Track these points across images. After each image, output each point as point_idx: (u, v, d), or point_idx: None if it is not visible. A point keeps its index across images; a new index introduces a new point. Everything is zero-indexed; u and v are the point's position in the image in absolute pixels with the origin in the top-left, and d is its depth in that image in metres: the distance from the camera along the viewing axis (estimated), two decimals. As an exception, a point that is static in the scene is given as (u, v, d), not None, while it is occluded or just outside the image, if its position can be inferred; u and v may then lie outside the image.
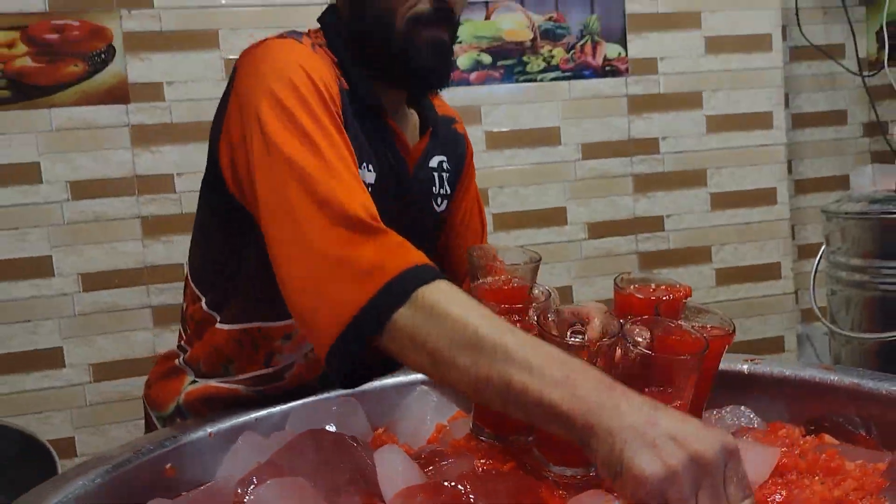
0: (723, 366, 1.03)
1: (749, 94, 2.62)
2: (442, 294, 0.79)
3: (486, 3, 2.37)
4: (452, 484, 0.75)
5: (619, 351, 0.79)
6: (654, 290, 0.95)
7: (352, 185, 0.88)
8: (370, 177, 1.02)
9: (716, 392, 0.93)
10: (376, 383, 1.11)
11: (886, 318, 1.62)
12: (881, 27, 2.80)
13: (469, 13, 2.35)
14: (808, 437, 0.92)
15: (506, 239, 2.40)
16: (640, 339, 0.79)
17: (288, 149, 0.87)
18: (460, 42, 2.34)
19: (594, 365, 0.75)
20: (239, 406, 1.04)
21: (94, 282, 2.12)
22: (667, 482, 0.59)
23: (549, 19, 2.42)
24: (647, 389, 0.75)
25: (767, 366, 1.06)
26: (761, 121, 2.63)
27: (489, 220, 2.36)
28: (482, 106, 2.38)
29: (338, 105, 0.95)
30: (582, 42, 2.45)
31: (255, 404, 1.04)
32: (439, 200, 1.20)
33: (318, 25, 1.10)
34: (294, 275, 0.86)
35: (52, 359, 2.11)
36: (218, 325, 1.08)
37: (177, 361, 1.14)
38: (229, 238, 1.06)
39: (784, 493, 0.74)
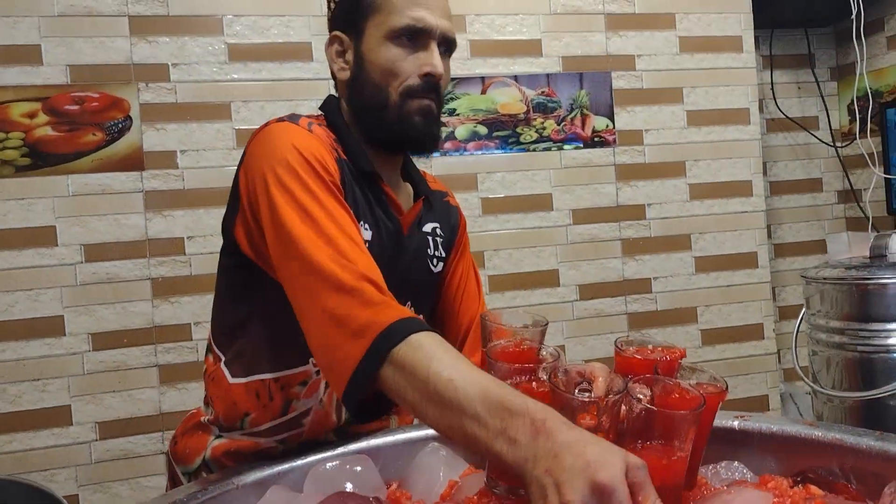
0: (715, 422, 1.12)
1: (729, 163, 2.73)
2: (411, 351, 0.92)
3: (483, 78, 2.50)
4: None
5: (624, 407, 0.86)
6: (652, 351, 1.03)
7: (344, 249, 1.01)
8: (367, 234, 1.15)
9: (709, 446, 1.00)
10: (389, 439, 1.16)
11: (865, 377, 1.71)
12: (852, 101, 2.96)
13: (467, 88, 2.48)
14: (795, 489, 1.00)
15: (500, 300, 2.49)
16: (642, 396, 0.85)
17: (290, 225, 1.02)
18: (458, 115, 2.47)
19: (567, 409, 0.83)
20: (262, 459, 1.10)
21: (104, 341, 2.19)
22: None
23: (541, 94, 2.55)
24: (650, 443, 0.82)
25: (756, 422, 1.14)
26: (741, 189, 2.75)
27: (484, 281, 2.46)
28: (478, 174, 2.50)
29: (333, 173, 1.09)
30: (572, 115, 2.58)
31: (277, 457, 1.10)
32: (435, 261, 1.31)
33: (320, 112, 1.25)
34: (310, 335, 1.01)
35: (60, 417, 2.16)
36: (233, 381, 1.17)
37: (202, 419, 1.21)
38: (245, 295, 1.17)
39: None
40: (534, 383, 0.94)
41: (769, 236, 2.91)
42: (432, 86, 1.17)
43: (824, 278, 1.78)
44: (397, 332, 0.94)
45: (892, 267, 1.71)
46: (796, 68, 3.05)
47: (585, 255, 2.59)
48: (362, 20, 1.18)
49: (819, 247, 3.03)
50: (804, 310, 1.91)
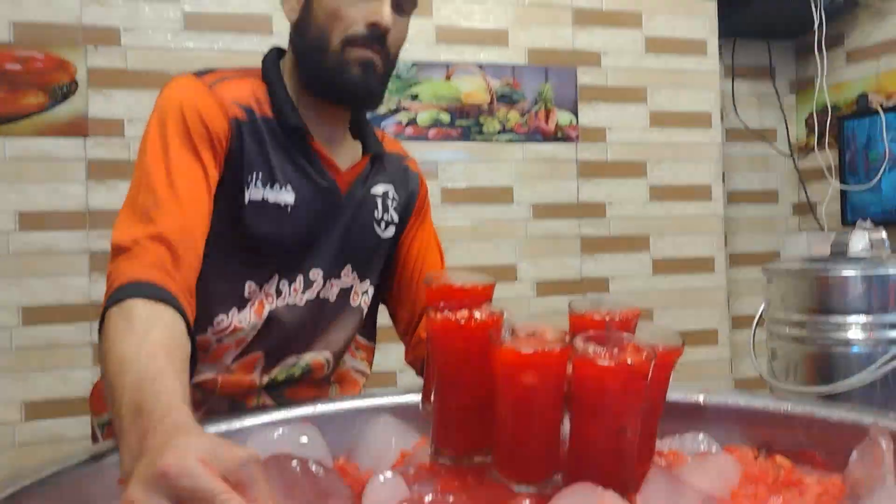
0: (678, 397, 1.07)
1: (690, 166, 2.73)
2: (115, 318, 0.86)
3: (447, 65, 2.45)
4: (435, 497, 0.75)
5: (570, 368, 0.77)
6: (607, 314, 0.97)
7: (156, 201, 0.99)
8: (289, 197, 1.12)
9: (673, 421, 0.96)
10: (334, 406, 1.09)
11: (824, 372, 1.69)
12: (811, 114, 2.99)
13: (430, 73, 2.43)
14: (761, 459, 0.96)
15: (456, 293, 2.42)
16: (584, 349, 0.76)
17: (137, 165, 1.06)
18: (420, 100, 2.41)
19: None
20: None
21: (35, 316, 2.06)
22: None
23: (506, 85, 2.51)
24: (591, 409, 0.76)
25: (722, 396, 1.10)
26: (701, 192, 2.74)
27: (441, 272, 2.39)
28: (439, 162, 2.44)
29: (213, 130, 1.06)
30: (536, 108, 2.54)
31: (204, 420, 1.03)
32: (383, 225, 1.25)
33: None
34: None
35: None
36: None
37: None
38: None
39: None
40: (477, 313, 0.85)
41: (725, 244, 2.90)
42: (377, 37, 1.12)
43: (786, 270, 1.77)
44: (121, 292, 0.89)
45: (852, 261, 1.70)
46: (757, 79, 3.07)
47: (544, 250, 2.55)
48: None
49: (774, 258, 2.98)
50: (764, 304, 1.89)
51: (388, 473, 0.83)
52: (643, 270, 2.67)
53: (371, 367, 1.39)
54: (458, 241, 2.45)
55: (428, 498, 0.78)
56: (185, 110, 1.05)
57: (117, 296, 0.88)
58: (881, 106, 2.67)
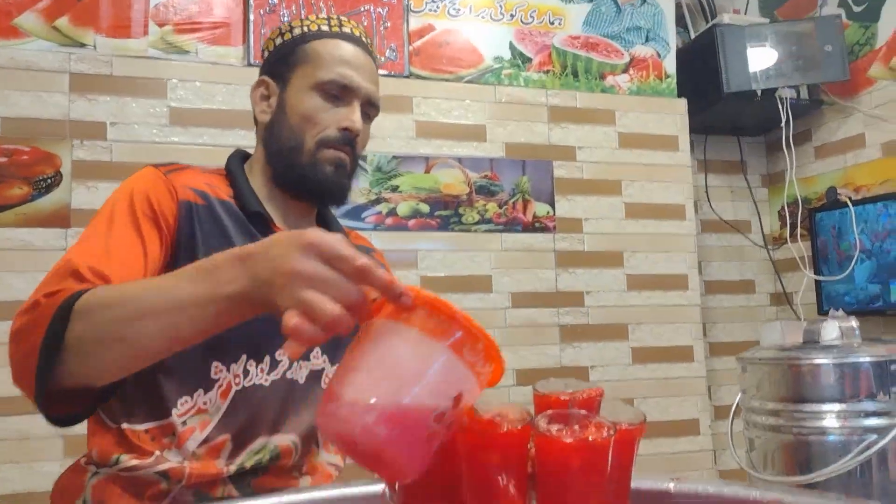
0: (649, 485, 1.07)
1: (666, 256, 2.77)
2: (98, 292, 0.88)
3: (427, 158, 2.52)
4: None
5: (532, 448, 0.77)
6: (572, 394, 0.98)
7: (101, 259, 1.00)
8: None
9: (644, 510, 0.95)
10: (302, 497, 1.05)
11: (801, 460, 1.68)
12: (783, 206, 3.07)
13: (410, 166, 2.49)
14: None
15: (435, 383, 2.41)
16: (545, 427, 0.75)
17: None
18: (400, 191, 2.47)
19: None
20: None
21: (5, 407, 2.03)
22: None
23: (484, 177, 2.58)
24: (564, 481, 0.74)
25: (692, 484, 1.10)
26: (678, 282, 2.78)
27: (420, 362, 2.39)
28: (419, 251, 2.47)
29: (158, 210, 1.10)
30: (514, 199, 2.60)
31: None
32: None
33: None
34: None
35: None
36: (104, 424, 1.11)
37: (81, 461, 1.14)
38: None
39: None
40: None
41: (704, 334, 2.92)
42: (348, 140, 1.20)
43: (759, 359, 1.78)
44: (80, 292, 0.88)
45: (824, 350, 1.71)
46: (729, 173, 3.16)
47: (523, 339, 2.56)
48: (290, 69, 1.22)
49: (753, 347, 3.02)
50: (740, 394, 1.89)
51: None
52: (623, 359, 2.67)
53: (345, 460, 1.37)
54: (438, 331, 2.45)
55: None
56: (135, 193, 1.10)
57: (68, 304, 0.86)
58: (849, 199, 2.74)
